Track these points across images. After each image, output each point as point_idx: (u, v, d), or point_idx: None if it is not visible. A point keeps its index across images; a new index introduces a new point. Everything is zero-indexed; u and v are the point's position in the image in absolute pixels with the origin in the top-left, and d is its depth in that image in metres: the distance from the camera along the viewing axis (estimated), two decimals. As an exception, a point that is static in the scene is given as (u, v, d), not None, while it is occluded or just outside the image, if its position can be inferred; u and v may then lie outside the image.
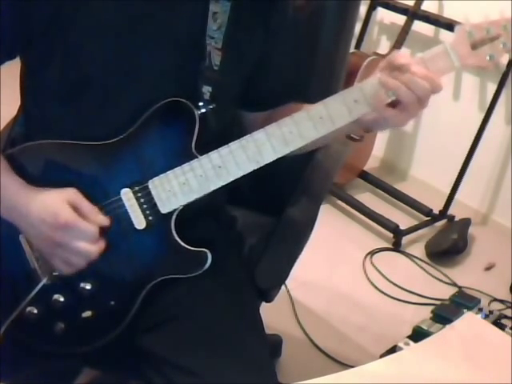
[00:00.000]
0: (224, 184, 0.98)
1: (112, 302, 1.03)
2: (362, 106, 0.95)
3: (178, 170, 0.98)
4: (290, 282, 1.39)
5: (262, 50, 1.09)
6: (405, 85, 0.91)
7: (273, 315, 1.32)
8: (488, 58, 0.95)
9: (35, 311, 1.03)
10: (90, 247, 0.96)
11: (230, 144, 0.97)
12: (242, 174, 0.98)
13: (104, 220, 0.98)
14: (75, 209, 0.96)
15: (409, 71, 0.91)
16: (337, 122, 0.96)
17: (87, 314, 1.03)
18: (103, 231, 0.98)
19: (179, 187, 0.98)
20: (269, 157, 0.97)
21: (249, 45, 1.07)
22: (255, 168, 0.97)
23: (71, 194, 0.97)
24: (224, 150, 0.97)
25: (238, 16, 1.03)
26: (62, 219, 0.94)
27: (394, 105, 0.94)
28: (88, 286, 1.02)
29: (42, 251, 1.00)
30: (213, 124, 1.03)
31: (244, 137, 0.97)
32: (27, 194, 0.97)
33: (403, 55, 0.94)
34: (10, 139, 1.14)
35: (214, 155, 0.97)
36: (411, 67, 0.91)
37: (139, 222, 1.00)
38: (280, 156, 0.97)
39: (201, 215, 1.06)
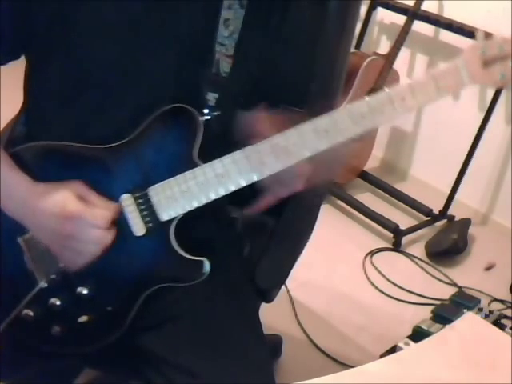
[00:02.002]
0: (225, 193, 0.98)
1: (109, 308, 1.03)
2: (368, 120, 0.94)
3: (179, 177, 0.97)
4: (290, 282, 1.39)
5: (274, 55, 1.08)
6: None
7: (273, 315, 1.32)
8: (500, 77, 0.93)
9: (31, 314, 1.02)
10: (102, 233, 0.96)
11: (233, 153, 0.96)
12: (244, 184, 0.97)
13: (113, 206, 0.98)
14: (82, 199, 0.96)
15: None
16: (342, 135, 0.95)
17: (83, 318, 1.02)
18: (114, 218, 0.97)
19: (180, 195, 0.97)
20: (272, 168, 0.96)
21: (261, 52, 1.06)
22: (258, 179, 0.97)
23: (77, 185, 0.97)
24: (227, 159, 0.96)
25: (251, 23, 1.02)
26: (68, 209, 0.94)
27: None
28: (85, 291, 1.01)
29: (52, 247, 0.99)
30: (217, 130, 1.02)
31: (248, 147, 0.96)
32: (32, 189, 0.97)
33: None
34: (12, 138, 1.14)
35: (216, 164, 0.96)
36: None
37: (138, 228, 0.99)
38: (284, 167, 0.96)
39: (201, 215, 1.06)
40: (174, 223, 1.00)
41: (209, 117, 1.01)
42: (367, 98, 0.95)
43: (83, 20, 0.96)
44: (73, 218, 0.94)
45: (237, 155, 0.96)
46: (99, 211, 0.96)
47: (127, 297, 1.03)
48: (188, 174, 0.97)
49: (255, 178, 0.97)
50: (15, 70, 1.07)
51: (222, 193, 0.97)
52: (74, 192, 0.96)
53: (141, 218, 0.99)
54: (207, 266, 1.01)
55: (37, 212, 0.96)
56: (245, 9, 1.01)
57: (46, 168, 1.01)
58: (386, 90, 0.94)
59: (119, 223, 0.99)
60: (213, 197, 0.97)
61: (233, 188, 0.97)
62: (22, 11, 0.95)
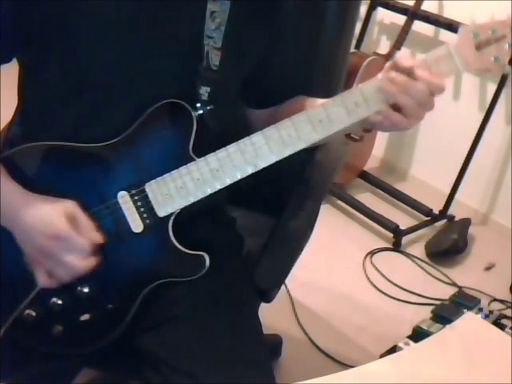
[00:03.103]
0: (221, 187, 0.98)
1: (110, 305, 1.03)
2: (363, 109, 0.94)
3: (175, 173, 0.97)
4: (290, 282, 1.39)
5: (265, 48, 1.08)
6: (404, 91, 0.91)
7: (273, 315, 1.32)
8: (493, 59, 0.93)
9: (33, 314, 1.02)
10: (79, 262, 0.95)
11: (227, 147, 0.96)
12: (239, 178, 0.97)
13: (99, 238, 0.97)
14: (72, 221, 0.95)
15: (412, 75, 0.91)
16: (336, 124, 0.95)
17: (85, 316, 1.02)
18: (98, 249, 0.97)
19: (176, 190, 0.98)
20: (267, 160, 0.96)
21: (249, 43, 1.06)
22: (253, 171, 0.97)
23: (69, 206, 0.97)
24: (221, 153, 0.96)
25: (238, 14, 1.02)
26: (54, 229, 0.94)
27: (397, 108, 0.94)
28: (85, 289, 1.01)
29: (29, 258, 0.99)
30: (212, 125, 1.02)
31: (242, 139, 0.96)
32: (22, 198, 0.96)
33: (406, 57, 0.93)
34: (8, 140, 1.14)
35: (211, 158, 0.96)
36: (414, 70, 0.91)
37: (136, 225, 1.00)
38: (278, 159, 0.96)
39: (200, 216, 1.06)
40: (172, 219, 1.00)
41: (202, 111, 1.01)
42: (360, 86, 0.95)
43: (82, 20, 0.96)
44: (56, 237, 0.94)
45: (231, 148, 0.96)
46: (83, 240, 0.95)
47: (128, 294, 1.03)
48: (183, 169, 0.97)
49: (250, 171, 0.97)
50: (15, 70, 1.07)
51: (218, 187, 0.97)
52: (64, 211, 0.95)
53: (138, 215, 0.99)
54: (206, 260, 1.01)
55: (24, 224, 0.96)
56: (230, 0, 1.01)
57: (42, 169, 1.01)
58: (379, 76, 0.94)
59: (117, 221, 0.99)
60: (209, 191, 0.97)
61: (228, 181, 0.97)
62: (20, 11, 0.95)
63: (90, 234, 0.96)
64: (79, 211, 0.97)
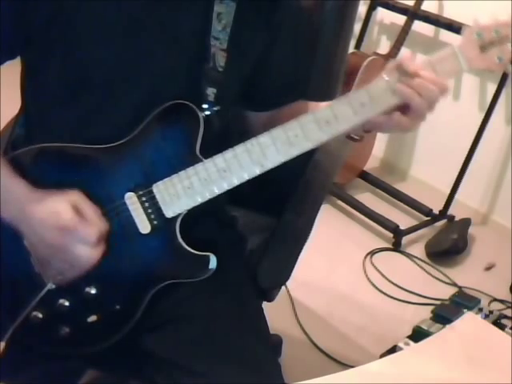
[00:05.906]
0: (229, 188, 0.98)
1: (117, 306, 1.03)
2: (369, 109, 0.94)
3: (182, 173, 0.98)
4: (290, 282, 1.38)
5: (265, 50, 1.09)
6: (417, 92, 0.92)
7: (273, 315, 1.32)
8: (497, 60, 0.94)
9: (40, 316, 1.02)
10: (90, 251, 0.96)
11: (234, 147, 0.96)
12: (246, 178, 0.97)
13: (104, 225, 0.98)
14: (77, 211, 0.96)
15: (418, 76, 0.92)
16: (343, 124, 0.95)
17: (93, 318, 1.02)
18: (104, 236, 0.98)
19: (184, 191, 0.98)
20: (274, 160, 0.96)
21: (253, 45, 1.07)
22: (260, 172, 0.97)
23: (74, 196, 0.97)
24: (229, 154, 0.96)
25: (243, 16, 1.02)
26: (63, 221, 0.94)
27: (401, 108, 0.94)
28: (93, 291, 1.01)
29: (41, 256, 0.99)
30: (217, 126, 1.02)
31: (249, 140, 0.96)
32: (29, 196, 0.97)
33: (411, 59, 0.94)
34: (11, 141, 1.14)
35: (218, 159, 0.97)
36: (420, 73, 0.92)
37: (144, 226, 1.00)
38: (285, 160, 0.96)
39: (202, 215, 1.06)
40: (179, 219, 1.00)
41: (209, 112, 1.01)
42: (367, 86, 0.95)
43: (83, 20, 0.96)
44: (66, 230, 0.94)
45: (238, 149, 0.96)
46: (89, 230, 0.96)
47: (135, 295, 1.03)
48: (190, 170, 0.97)
49: (257, 172, 0.97)
50: (15, 70, 1.07)
51: (226, 187, 0.98)
52: (70, 203, 0.96)
53: (146, 216, 0.99)
54: (214, 260, 1.02)
55: (32, 220, 0.96)
56: (236, 2, 1.01)
57: (48, 171, 1.01)
58: (385, 77, 0.95)
59: (124, 222, 0.99)
60: (216, 192, 0.98)
61: (236, 182, 0.97)
62: (21, 11, 0.95)
63: (95, 222, 0.97)
64: (83, 200, 0.97)
